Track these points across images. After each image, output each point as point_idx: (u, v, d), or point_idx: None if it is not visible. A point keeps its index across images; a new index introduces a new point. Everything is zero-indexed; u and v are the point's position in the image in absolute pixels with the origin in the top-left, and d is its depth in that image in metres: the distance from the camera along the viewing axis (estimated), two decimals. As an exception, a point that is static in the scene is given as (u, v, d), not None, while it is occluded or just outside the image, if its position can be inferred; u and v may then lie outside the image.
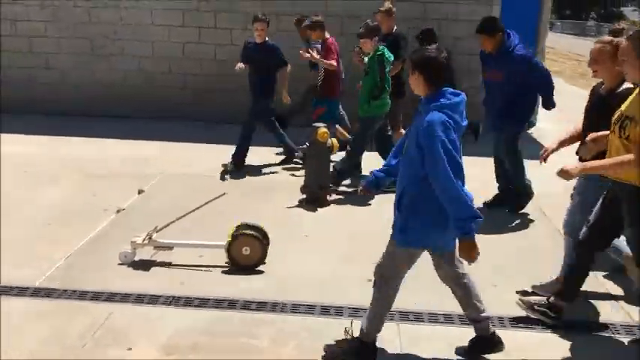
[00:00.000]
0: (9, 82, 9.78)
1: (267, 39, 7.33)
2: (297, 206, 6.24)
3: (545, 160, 4.43)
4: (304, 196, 6.37)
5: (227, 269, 4.75)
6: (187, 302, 4.24)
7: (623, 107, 3.74)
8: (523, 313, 4.18)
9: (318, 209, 6.15)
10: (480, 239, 3.31)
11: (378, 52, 6.52)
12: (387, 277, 3.58)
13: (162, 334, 3.86)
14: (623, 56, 3.66)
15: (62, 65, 9.79)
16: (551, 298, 4.13)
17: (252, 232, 4.81)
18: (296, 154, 7.62)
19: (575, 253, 4.08)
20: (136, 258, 4.75)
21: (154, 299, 4.25)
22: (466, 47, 8.90)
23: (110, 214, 5.82)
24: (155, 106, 9.65)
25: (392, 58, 6.69)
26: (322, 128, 6.37)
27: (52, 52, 9.76)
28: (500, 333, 3.80)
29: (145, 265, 4.72)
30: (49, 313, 4.08)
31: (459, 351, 3.81)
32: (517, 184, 6.24)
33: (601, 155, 3.85)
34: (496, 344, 3.77)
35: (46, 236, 5.27)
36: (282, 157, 7.84)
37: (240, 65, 7.13)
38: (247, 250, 4.77)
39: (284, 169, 7.57)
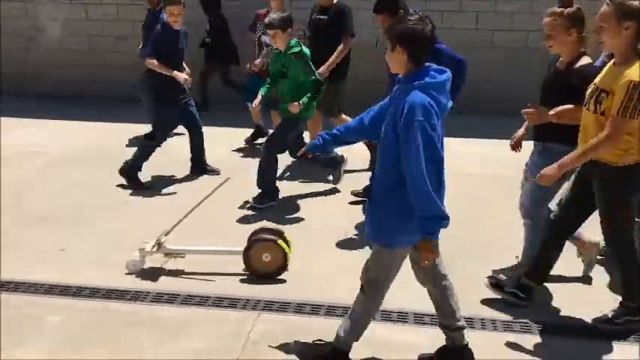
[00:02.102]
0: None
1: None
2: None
3: (516, 147, 4.29)
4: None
5: (244, 277, 4.34)
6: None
7: (597, 80, 3.52)
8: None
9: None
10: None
11: (295, 50, 5.45)
12: (375, 282, 3.22)
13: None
14: (603, 22, 3.40)
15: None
16: (522, 279, 4.01)
17: (272, 237, 4.37)
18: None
19: (546, 234, 3.93)
20: (146, 266, 4.38)
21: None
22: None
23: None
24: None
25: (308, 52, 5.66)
26: None
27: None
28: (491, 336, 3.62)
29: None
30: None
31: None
32: None
33: (569, 129, 3.70)
34: (466, 358, 3.37)
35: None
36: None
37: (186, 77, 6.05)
38: (267, 257, 4.33)
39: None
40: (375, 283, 3.22)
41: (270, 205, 5.59)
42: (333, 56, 6.18)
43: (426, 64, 3.02)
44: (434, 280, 3.32)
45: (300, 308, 4.00)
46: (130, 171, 6.07)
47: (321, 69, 6.02)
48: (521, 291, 4.01)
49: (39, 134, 7.80)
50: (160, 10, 6.84)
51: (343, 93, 6.49)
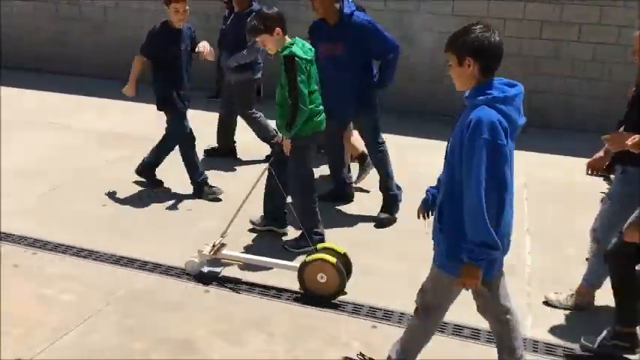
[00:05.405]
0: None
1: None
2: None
3: (592, 171, 3.99)
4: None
5: (299, 294, 4.26)
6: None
7: None
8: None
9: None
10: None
11: (284, 53, 4.43)
12: (431, 307, 3.08)
13: None
14: None
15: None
16: (615, 328, 3.58)
17: (331, 258, 4.23)
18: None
19: (615, 270, 3.54)
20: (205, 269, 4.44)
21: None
22: None
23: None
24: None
25: (310, 55, 4.52)
26: None
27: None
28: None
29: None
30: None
31: None
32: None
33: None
34: None
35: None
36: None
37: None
38: (323, 278, 4.21)
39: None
40: (433, 308, 3.07)
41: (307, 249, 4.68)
42: None
43: (494, 77, 2.80)
44: (494, 312, 3.10)
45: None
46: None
47: None
48: (621, 340, 3.58)
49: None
50: (248, 12, 6.24)
51: None
